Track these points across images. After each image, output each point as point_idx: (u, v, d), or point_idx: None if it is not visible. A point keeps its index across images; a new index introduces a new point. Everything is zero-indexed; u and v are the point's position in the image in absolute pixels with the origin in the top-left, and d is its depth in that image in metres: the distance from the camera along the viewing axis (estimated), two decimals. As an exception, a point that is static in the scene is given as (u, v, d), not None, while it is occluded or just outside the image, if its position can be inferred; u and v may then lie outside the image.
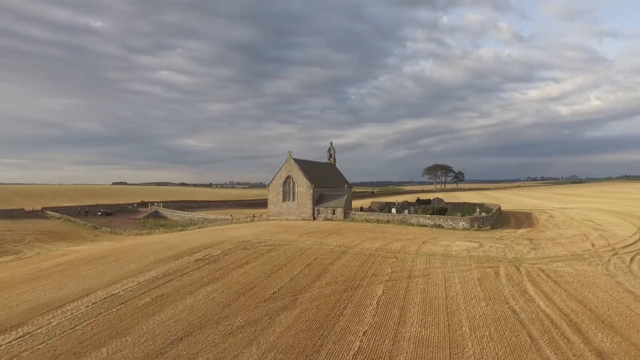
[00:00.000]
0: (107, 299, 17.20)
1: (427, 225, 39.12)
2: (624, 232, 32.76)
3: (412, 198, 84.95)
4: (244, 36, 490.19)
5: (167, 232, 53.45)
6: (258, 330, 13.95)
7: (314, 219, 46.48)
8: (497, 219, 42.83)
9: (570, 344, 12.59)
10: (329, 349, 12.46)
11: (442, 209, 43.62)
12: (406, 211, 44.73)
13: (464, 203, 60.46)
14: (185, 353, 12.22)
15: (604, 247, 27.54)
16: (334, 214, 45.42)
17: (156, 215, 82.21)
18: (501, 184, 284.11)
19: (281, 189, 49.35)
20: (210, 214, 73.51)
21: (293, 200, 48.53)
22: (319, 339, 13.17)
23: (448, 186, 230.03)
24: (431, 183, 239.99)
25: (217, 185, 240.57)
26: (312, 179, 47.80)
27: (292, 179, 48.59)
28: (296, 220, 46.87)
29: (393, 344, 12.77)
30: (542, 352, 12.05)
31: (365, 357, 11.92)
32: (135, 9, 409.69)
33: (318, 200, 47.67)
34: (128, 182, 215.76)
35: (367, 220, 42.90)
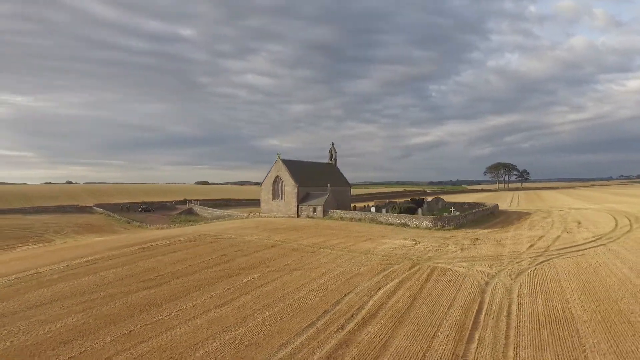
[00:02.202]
0: (30, 275, 21.48)
1: (393, 224, 39.30)
2: (588, 234, 30.32)
3: (462, 198, 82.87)
4: (324, 36, 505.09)
5: (180, 226, 59.30)
6: (105, 302, 16.90)
7: (298, 216, 48.76)
8: (476, 218, 41.26)
9: (336, 331, 13.68)
10: (136, 319, 14.98)
11: (410, 208, 43.16)
12: (384, 210, 44.96)
13: (464, 202, 58.14)
14: (31, 314, 15.60)
15: (539, 248, 26.17)
16: (314, 212, 47.28)
17: (189, 212, 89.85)
18: (577, 183, 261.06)
19: (271, 188, 52.42)
20: (236, 212, 79.16)
21: (281, 198, 51.30)
22: (139, 313, 15.72)
23: (512, 185, 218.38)
24: (494, 182, 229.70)
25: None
26: (299, 179, 50.08)
27: (281, 179, 51.37)
28: (283, 217, 49.54)
29: (188, 320, 14.86)
30: (303, 335, 13.34)
31: (151, 327, 14.25)
32: (221, 15, 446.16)
33: (303, 198, 49.83)
34: (209, 182, 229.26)
35: (341, 219, 44.13)
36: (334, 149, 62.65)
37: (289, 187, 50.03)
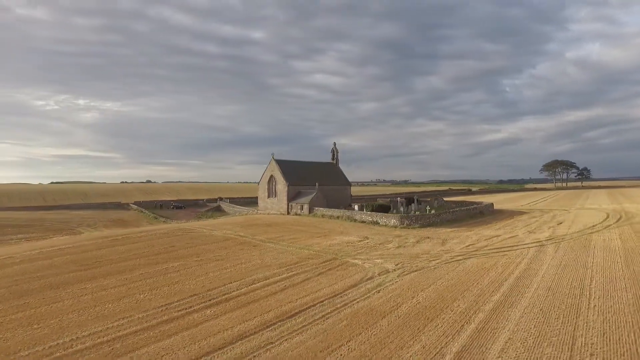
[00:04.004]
0: (1, 259, 25.88)
1: (365, 222, 39.85)
2: (546, 235, 28.86)
3: (497, 199, 79.53)
4: (391, 33, 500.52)
5: (196, 221, 64.24)
6: (31, 280, 20.17)
7: (288, 213, 50.77)
8: (454, 217, 40.28)
9: (180, 310, 15.53)
10: (41, 294, 17.98)
11: (382, 207, 43.01)
12: (364, 208, 45.39)
13: (462, 201, 56.01)
14: (-28, 288, 19.37)
15: (473, 248, 25.66)
16: (301, 209, 48.99)
17: (217, 209, 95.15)
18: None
19: (266, 186, 54.97)
20: (252, 208, 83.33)
21: (275, 196, 53.65)
22: (49, 289, 18.72)
23: (570, 184, 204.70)
24: (551, 181, 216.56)
25: (356, 184, 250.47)
26: (291, 178, 52.08)
27: (274, 178, 53.72)
28: (275, 214, 51.86)
29: (79, 297, 17.51)
30: (149, 311, 15.38)
31: (44, 300, 17.11)
32: (290, 17, 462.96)
33: (294, 197, 51.71)
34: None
35: (323, 216, 45.39)
36: (336, 149, 63.74)
37: (281, 185, 52.25)
